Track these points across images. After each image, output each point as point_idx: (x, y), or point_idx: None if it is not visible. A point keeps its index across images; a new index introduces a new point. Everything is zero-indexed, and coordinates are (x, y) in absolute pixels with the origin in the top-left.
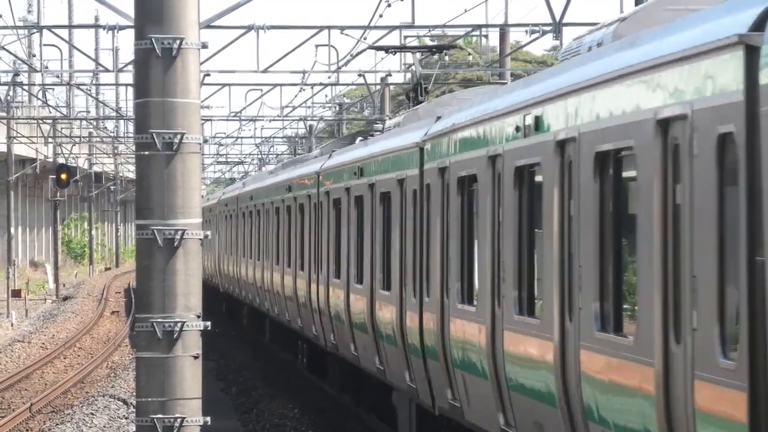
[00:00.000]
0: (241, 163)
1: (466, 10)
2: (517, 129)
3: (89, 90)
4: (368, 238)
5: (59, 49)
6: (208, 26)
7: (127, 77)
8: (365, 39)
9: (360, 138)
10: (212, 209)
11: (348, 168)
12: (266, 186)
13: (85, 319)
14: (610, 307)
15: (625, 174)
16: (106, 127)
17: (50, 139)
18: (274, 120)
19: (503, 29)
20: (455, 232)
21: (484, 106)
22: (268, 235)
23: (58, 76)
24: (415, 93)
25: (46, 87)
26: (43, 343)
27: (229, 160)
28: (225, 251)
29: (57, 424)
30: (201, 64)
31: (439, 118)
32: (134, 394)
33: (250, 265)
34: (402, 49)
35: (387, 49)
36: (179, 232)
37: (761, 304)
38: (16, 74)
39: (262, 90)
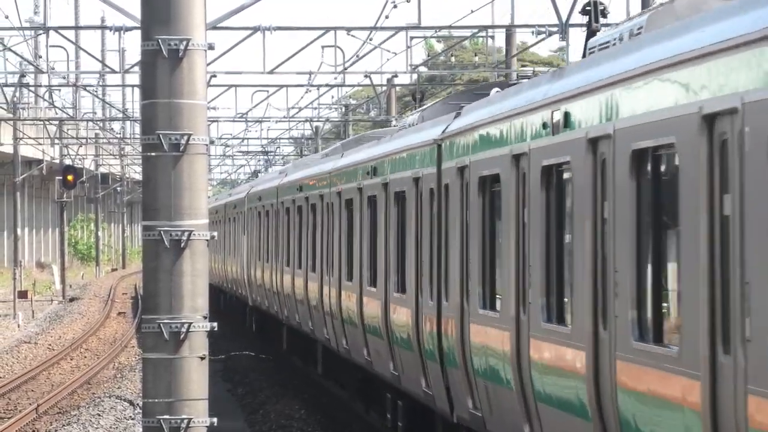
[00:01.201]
0: (266, 153)
1: (472, 11)
2: None
3: (96, 91)
4: (577, 238)
5: (65, 50)
6: (215, 27)
7: (134, 78)
8: (371, 40)
9: (496, 89)
10: (237, 205)
11: (529, 116)
12: (325, 172)
13: (92, 320)
14: None
15: None
16: (112, 129)
17: (57, 141)
18: (280, 121)
19: (509, 30)
20: None
21: None
22: (330, 239)
23: (64, 77)
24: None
25: (53, 88)
26: (50, 344)
27: (236, 154)
28: (258, 257)
29: (63, 425)
30: (207, 65)
31: None
32: (141, 395)
33: (299, 277)
34: None
35: None
36: (186, 233)
37: None
38: (23, 75)
39: (268, 91)
